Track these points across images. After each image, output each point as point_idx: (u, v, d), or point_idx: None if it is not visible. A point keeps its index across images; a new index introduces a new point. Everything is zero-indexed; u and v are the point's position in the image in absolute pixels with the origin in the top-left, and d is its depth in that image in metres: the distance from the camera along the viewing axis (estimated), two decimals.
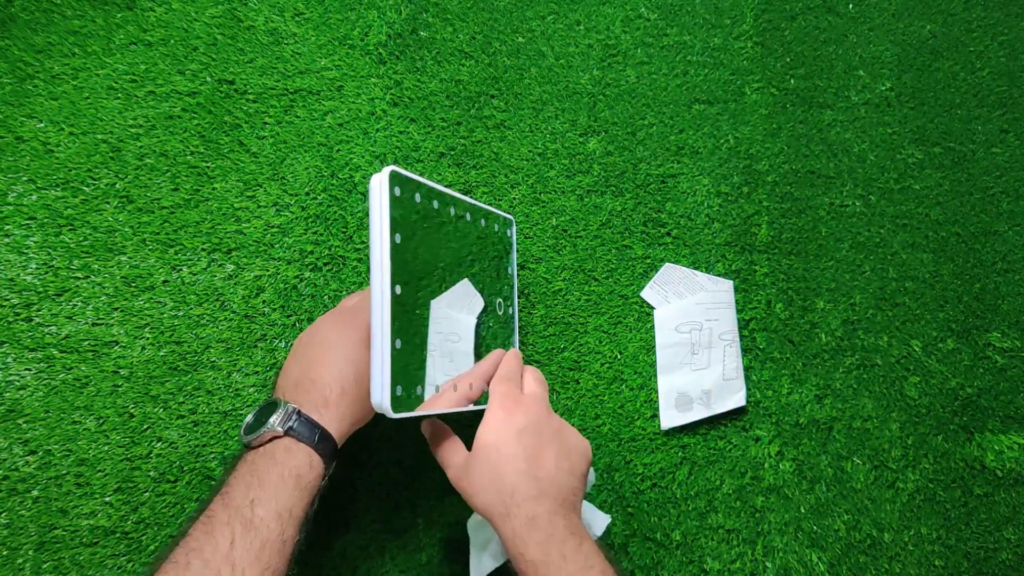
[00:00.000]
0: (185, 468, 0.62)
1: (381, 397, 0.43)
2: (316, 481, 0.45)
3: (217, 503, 0.42)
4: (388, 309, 0.44)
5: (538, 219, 0.71)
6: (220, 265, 0.67)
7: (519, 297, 0.69)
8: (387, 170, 0.47)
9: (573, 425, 0.66)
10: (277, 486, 0.43)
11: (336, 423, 0.46)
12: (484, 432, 0.45)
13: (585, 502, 0.47)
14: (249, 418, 0.47)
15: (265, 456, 0.44)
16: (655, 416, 0.66)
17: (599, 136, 0.73)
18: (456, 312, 0.52)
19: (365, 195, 0.70)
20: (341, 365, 0.47)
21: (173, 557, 0.40)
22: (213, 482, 0.62)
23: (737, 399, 0.66)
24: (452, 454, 0.47)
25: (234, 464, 0.46)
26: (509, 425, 0.44)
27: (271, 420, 0.45)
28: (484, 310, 0.56)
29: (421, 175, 0.53)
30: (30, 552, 0.59)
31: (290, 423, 0.44)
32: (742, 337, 0.69)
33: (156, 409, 0.63)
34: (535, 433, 0.44)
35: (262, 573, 0.40)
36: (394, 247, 0.45)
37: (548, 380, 0.67)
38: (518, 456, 0.43)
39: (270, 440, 0.45)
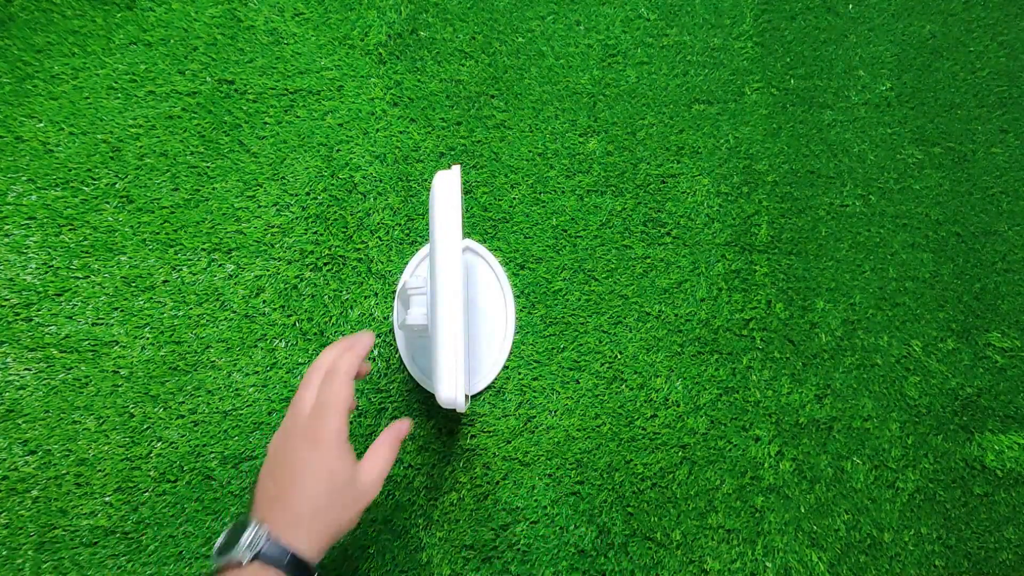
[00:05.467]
0: (185, 468, 0.62)
1: (456, 395, 0.49)
2: None
3: None
4: (462, 310, 0.49)
5: (538, 219, 0.71)
6: (220, 265, 0.67)
7: (519, 297, 0.69)
8: (456, 168, 0.51)
9: (573, 425, 0.66)
10: None
11: (309, 543, 0.45)
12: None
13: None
14: (221, 538, 0.45)
15: None
16: (655, 416, 0.66)
17: (599, 136, 0.73)
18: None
19: (366, 195, 0.70)
20: (314, 483, 0.46)
21: None
22: (213, 482, 0.62)
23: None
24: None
25: None
26: None
27: (241, 541, 0.44)
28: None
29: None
30: (30, 552, 0.59)
31: (259, 546, 0.43)
32: (741, 336, 0.69)
33: (156, 409, 0.63)
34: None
35: None
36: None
37: (548, 380, 0.67)
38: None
39: (238, 565, 0.43)
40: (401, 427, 0.52)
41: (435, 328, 0.50)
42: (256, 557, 0.43)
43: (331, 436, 0.46)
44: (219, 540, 0.45)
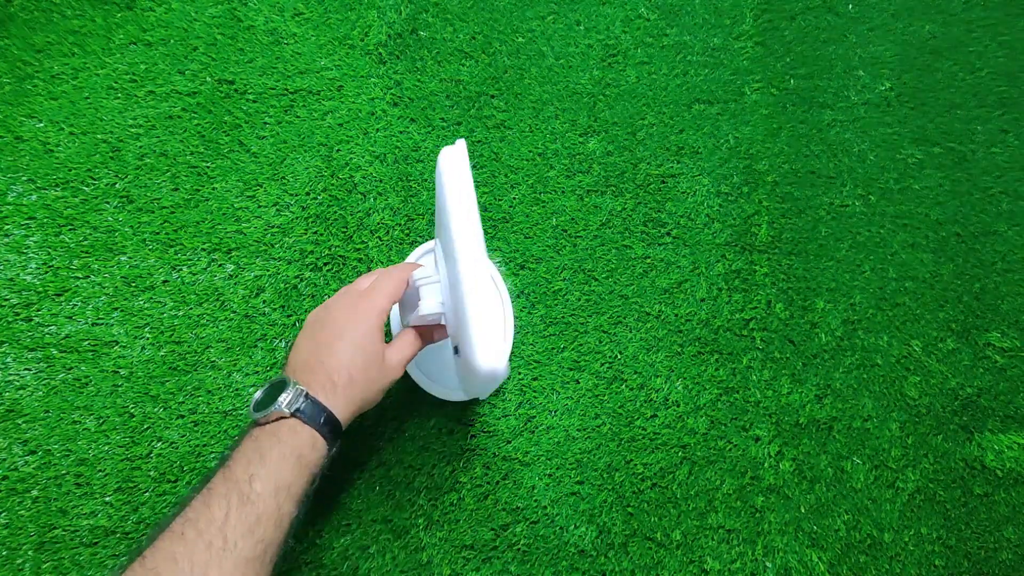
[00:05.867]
0: (185, 468, 0.62)
1: (497, 362, 0.46)
2: (317, 461, 0.47)
3: (218, 476, 0.44)
4: (481, 274, 0.46)
5: (538, 219, 0.71)
6: (220, 265, 0.67)
7: (519, 297, 0.69)
8: (460, 142, 0.50)
9: (573, 425, 0.66)
10: (278, 463, 0.44)
11: (342, 407, 0.48)
12: None
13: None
14: (258, 394, 0.48)
15: (269, 434, 0.46)
16: (655, 416, 0.66)
17: (599, 136, 0.73)
18: None
19: (366, 195, 0.70)
20: (350, 352, 0.49)
21: (171, 527, 0.41)
22: None
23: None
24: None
25: (240, 439, 0.47)
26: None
27: (279, 399, 0.46)
28: None
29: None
30: (30, 552, 0.59)
31: (297, 404, 0.46)
32: (741, 336, 0.69)
33: (156, 409, 0.63)
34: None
35: (255, 545, 0.41)
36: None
37: (548, 380, 0.67)
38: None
39: (277, 420, 0.46)
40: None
41: (461, 296, 0.48)
42: (292, 415, 0.46)
43: (373, 313, 0.50)
44: (256, 395, 0.48)
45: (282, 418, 0.46)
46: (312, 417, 0.46)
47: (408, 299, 0.57)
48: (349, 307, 0.51)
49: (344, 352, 0.49)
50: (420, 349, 0.55)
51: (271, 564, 0.43)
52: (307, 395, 0.47)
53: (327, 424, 0.47)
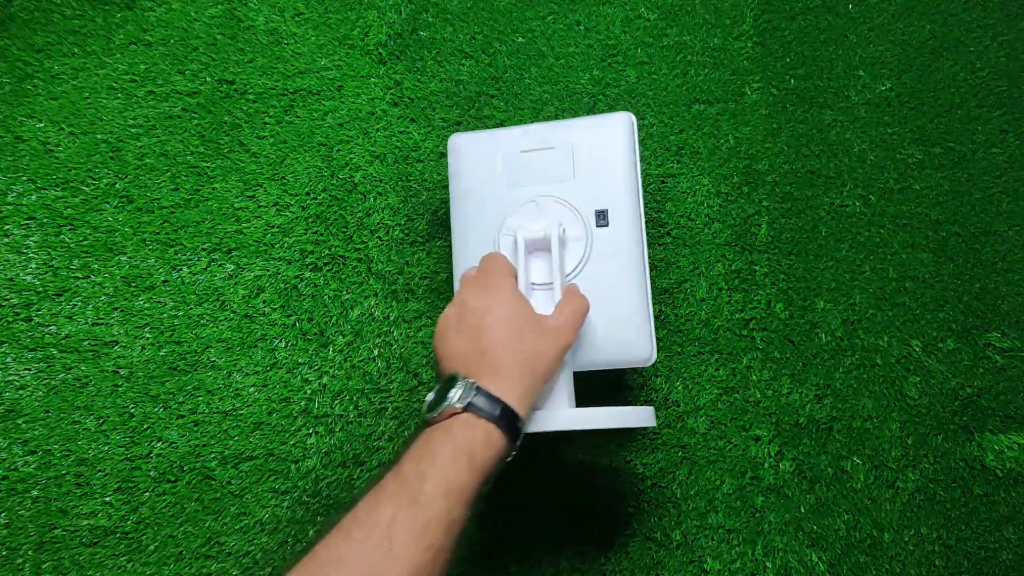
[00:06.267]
0: (185, 468, 0.62)
1: (651, 350, 0.51)
2: (493, 459, 0.44)
3: (390, 475, 0.42)
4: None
5: None
6: (220, 265, 0.67)
7: None
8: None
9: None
10: (449, 462, 0.42)
11: (511, 390, 0.45)
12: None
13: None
14: (430, 396, 0.46)
15: (442, 431, 0.43)
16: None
17: None
18: None
19: (366, 195, 0.70)
20: (502, 325, 0.46)
21: (341, 523, 0.40)
22: (213, 482, 0.62)
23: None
24: None
25: (411, 439, 0.44)
26: None
27: (451, 395, 0.44)
28: None
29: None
30: (30, 552, 0.59)
31: (469, 398, 0.44)
32: (741, 337, 0.69)
33: (156, 409, 0.63)
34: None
35: (424, 551, 0.39)
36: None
37: None
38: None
39: (450, 416, 0.44)
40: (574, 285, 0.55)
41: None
42: (466, 409, 0.43)
43: (505, 283, 0.49)
44: (428, 397, 0.45)
45: (455, 414, 0.44)
46: (486, 410, 0.43)
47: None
48: (479, 288, 0.49)
49: (496, 327, 0.46)
50: (584, 302, 0.52)
51: (442, 572, 0.40)
52: (478, 388, 0.44)
53: (504, 418, 0.44)
